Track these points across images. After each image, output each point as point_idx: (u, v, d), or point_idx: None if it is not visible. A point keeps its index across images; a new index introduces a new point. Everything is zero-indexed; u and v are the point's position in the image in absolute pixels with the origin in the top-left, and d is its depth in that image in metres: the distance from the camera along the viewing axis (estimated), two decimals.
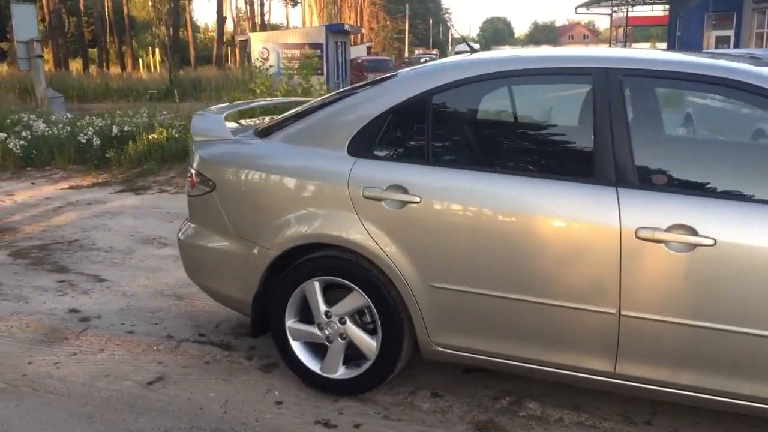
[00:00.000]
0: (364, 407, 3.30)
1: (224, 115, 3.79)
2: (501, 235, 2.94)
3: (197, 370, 3.68)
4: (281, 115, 3.88)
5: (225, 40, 54.02)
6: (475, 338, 3.08)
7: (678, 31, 30.72)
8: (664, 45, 53.86)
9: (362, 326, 3.29)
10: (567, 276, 2.85)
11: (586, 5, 37.37)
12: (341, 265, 3.24)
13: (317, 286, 3.30)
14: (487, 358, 3.11)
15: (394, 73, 3.48)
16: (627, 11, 37.25)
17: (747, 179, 2.78)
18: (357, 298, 3.23)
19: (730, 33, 28.40)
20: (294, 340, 3.42)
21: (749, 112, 3.45)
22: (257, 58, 20.43)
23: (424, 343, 3.18)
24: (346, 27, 33.07)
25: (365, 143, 3.22)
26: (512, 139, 3.35)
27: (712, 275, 2.64)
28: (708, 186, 2.79)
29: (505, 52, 3.53)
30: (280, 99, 4.74)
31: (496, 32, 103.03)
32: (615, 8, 37.22)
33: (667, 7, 35.02)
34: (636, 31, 37.72)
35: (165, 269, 5.28)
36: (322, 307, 3.31)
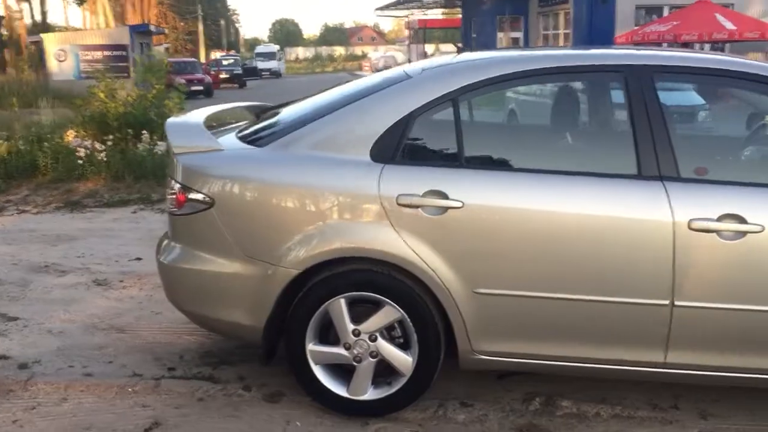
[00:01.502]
0: (398, 427, 3.14)
1: (203, 122, 3.43)
2: (548, 235, 2.91)
3: (194, 409, 3.30)
4: (264, 120, 3.59)
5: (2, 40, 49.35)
6: (522, 342, 3.03)
7: (473, 33, 32.59)
8: (447, 46, 56.97)
9: (393, 342, 3.12)
10: (617, 271, 2.88)
11: (384, 8, 38.63)
12: (372, 279, 3.05)
13: (343, 303, 3.07)
14: (533, 361, 3.07)
15: (402, 72, 3.32)
16: (425, 13, 38.84)
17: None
18: (390, 313, 3.06)
19: (520, 35, 30.56)
20: (315, 363, 3.16)
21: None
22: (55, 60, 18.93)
23: (465, 353, 3.07)
24: (151, 28, 31.52)
25: (389, 148, 3.05)
26: (548, 137, 3.33)
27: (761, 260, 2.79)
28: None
29: (521, 50, 3.49)
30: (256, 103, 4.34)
31: (288, 34, 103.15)
32: (410, 11, 38.75)
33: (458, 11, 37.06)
34: (429, 33, 39.48)
35: (81, 300, 4.69)
36: (350, 326, 3.09)
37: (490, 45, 30.16)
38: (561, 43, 26.85)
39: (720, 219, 2.79)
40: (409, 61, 44.15)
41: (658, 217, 2.83)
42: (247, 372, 3.63)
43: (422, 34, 42.76)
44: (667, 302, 2.87)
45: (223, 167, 3.19)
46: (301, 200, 3.08)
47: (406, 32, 52.26)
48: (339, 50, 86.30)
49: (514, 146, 3.20)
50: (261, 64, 47.40)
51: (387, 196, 2.97)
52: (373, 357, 3.11)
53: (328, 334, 3.17)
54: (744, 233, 2.78)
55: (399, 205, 2.96)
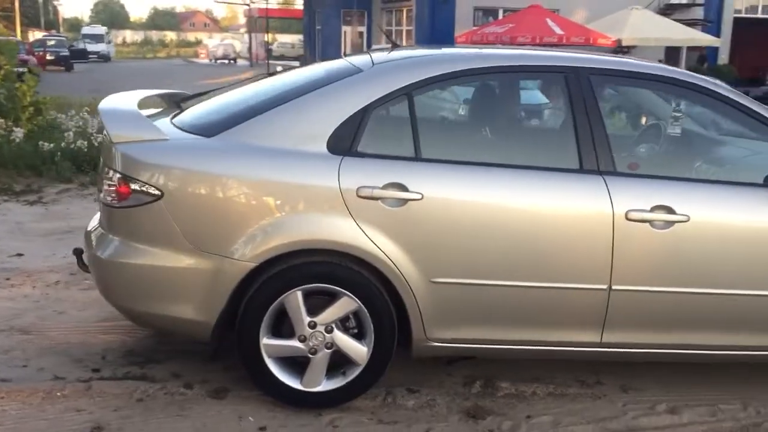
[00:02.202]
0: (354, 416, 3.19)
1: (137, 109, 3.27)
2: (500, 226, 3.07)
3: (135, 410, 3.16)
4: (195, 108, 3.49)
5: None
6: (474, 328, 3.17)
7: (318, 25, 32.68)
8: (285, 37, 56.60)
9: (348, 332, 3.16)
10: (564, 258, 3.10)
11: None
12: (329, 270, 3.07)
13: (300, 295, 3.07)
14: (483, 345, 3.23)
15: (348, 65, 3.36)
16: (267, 2, 38.35)
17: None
18: (347, 304, 3.09)
19: (363, 29, 31.01)
20: (268, 357, 3.13)
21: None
22: None
23: (419, 341, 3.17)
24: None
25: (346, 140, 3.08)
26: (501, 132, 3.47)
27: (688, 247, 3.10)
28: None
29: (478, 48, 3.60)
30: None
31: (113, 15, 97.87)
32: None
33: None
34: (269, 22, 39.06)
35: None
36: (306, 318, 3.09)
37: (334, 38, 30.40)
38: (404, 39, 27.55)
39: (653, 210, 3.07)
40: (250, 49, 43.15)
41: (600, 208, 3.06)
42: (180, 369, 3.52)
43: (263, 22, 42.20)
44: (605, 287, 3.12)
45: (171, 157, 3.07)
46: (256, 192, 3.03)
47: (243, 20, 51.36)
48: (170, 35, 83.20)
49: (467, 140, 3.33)
50: (89, 47, 44.71)
51: (347, 188, 3.00)
52: (328, 348, 3.13)
53: (281, 327, 3.14)
54: (672, 222, 3.08)
55: (359, 197, 3.00)
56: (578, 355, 3.30)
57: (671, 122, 3.70)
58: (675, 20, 25.05)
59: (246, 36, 64.36)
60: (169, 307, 3.12)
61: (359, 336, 3.17)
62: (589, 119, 3.14)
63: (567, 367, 3.62)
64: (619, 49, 24.21)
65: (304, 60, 39.48)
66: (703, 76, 3.37)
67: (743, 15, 29.34)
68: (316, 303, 3.11)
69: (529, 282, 3.10)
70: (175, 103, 3.96)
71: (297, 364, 3.18)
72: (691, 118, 3.67)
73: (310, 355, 3.13)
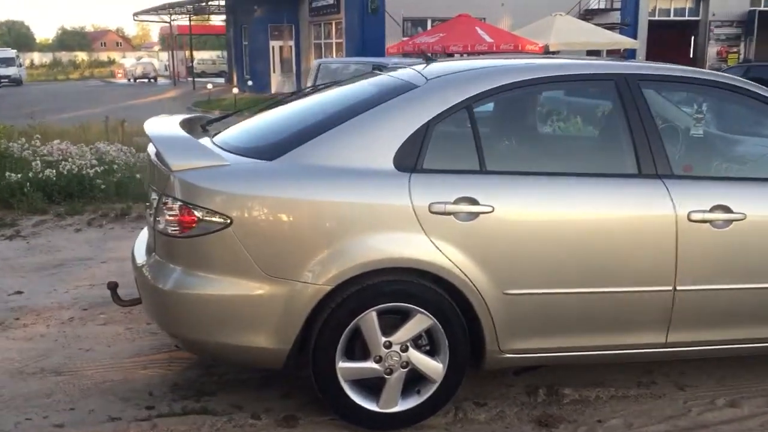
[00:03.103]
0: None
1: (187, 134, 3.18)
2: (571, 234, 3.10)
3: None
4: (232, 131, 3.42)
5: None
6: (546, 337, 3.19)
7: (245, 41, 32.34)
8: (202, 53, 55.75)
9: (421, 350, 3.13)
10: (632, 262, 3.15)
11: (144, 12, 37.01)
12: (404, 289, 3.03)
13: (374, 316, 3.02)
14: (554, 354, 3.24)
15: (400, 81, 3.33)
16: (190, 19, 37.69)
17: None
18: (422, 321, 3.06)
19: (291, 43, 30.86)
20: (344, 381, 3.07)
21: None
22: None
23: (492, 353, 3.16)
24: None
25: (411, 157, 3.06)
26: (560, 140, 3.50)
27: (746, 244, 3.21)
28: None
29: (531, 59, 3.61)
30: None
31: (18, 37, 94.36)
32: (172, 16, 37.45)
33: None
34: (204, 38, 38.47)
35: None
36: (382, 338, 3.05)
37: (263, 53, 30.15)
38: (334, 52, 27.57)
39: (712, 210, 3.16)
40: (170, 67, 42.05)
41: (663, 211, 3.13)
42: (237, 399, 3.41)
43: (186, 40, 41.46)
44: (670, 288, 3.18)
45: (237, 183, 2.98)
46: (327, 214, 2.98)
47: (156, 38, 50.31)
48: (81, 56, 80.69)
49: (528, 151, 3.36)
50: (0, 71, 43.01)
51: (419, 205, 2.98)
52: (404, 367, 3.09)
53: (352, 349, 3.09)
54: (731, 221, 3.17)
55: (432, 213, 2.98)
56: (644, 357, 3.36)
57: (694, 124, 3.81)
58: (595, 24, 25.91)
59: (160, 54, 63.17)
60: (241, 336, 3.02)
61: (431, 353, 3.14)
62: (643, 124, 3.21)
63: (622, 370, 3.68)
64: (547, 53, 24.93)
65: (228, 76, 39.05)
66: (735, 77, 3.49)
67: (657, 18, 30.59)
68: (388, 323, 3.07)
69: (599, 288, 3.14)
70: (201, 127, 3.86)
71: (369, 385, 3.13)
72: (713, 119, 3.80)
73: (386, 376, 3.09)
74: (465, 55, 22.42)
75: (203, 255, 2.98)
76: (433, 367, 3.12)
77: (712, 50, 31.38)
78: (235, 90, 25.30)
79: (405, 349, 3.07)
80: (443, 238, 2.99)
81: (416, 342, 3.12)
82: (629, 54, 27.60)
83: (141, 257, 3.39)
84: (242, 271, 2.96)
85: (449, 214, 2.99)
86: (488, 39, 21.81)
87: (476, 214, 3.01)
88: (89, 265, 5.52)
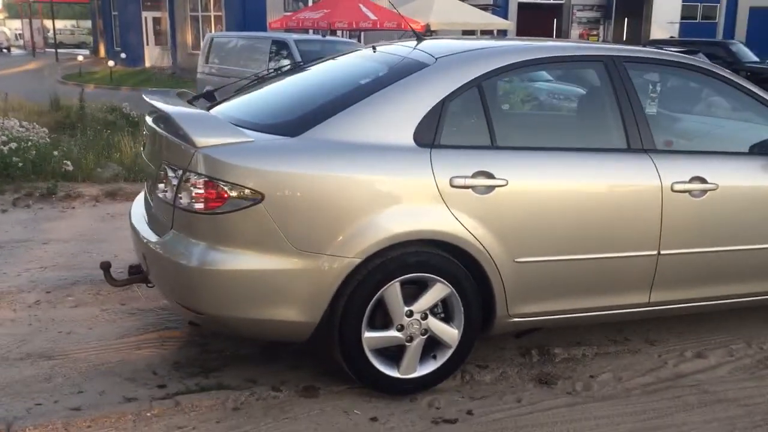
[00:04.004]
0: (448, 396, 3.33)
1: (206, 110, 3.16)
2: (575, 204, 3.35)
3: (240, 420, 3.07)
4: (241, 106, 3.43)
5: None
6: (550, 301, 3.43)
7: (114, 11, 30.82)
8: (58, 23, 52.59)
9: (437, 317, 3.29)
10: (626, 229, 3.44)
11: None
12: (426, 260, 3.17)
13: (398, 286, 3.15)
14: (556, 316, 3.49)
15: (410, 59, 3.44)
16: None
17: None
18: (440, 290, 3.22)
19: (160, 14, 29.70)
20: (369, 350, 3.19)
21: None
22: None
23: (502, 318, 3.37)
24: None
25: (429, 133, 3.19)
26: (563, 117, 3.70)
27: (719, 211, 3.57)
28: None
29: (527, 41, 3.77)
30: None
31: None
32: None
33: None
34: (56, 6, 36.14)
35: None
36: (404, 308, 3.18)
37: (135, 24, 28.89)
38: (213, 26, 26.87)
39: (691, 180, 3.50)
40: (24, 37, 39.19)
41: (652, 183, 3.44)
42: (248, 374, 3.45)
43: (37, 7, 38.89)
44: (655, 252, 3.51)
45: (268, 160, 3.00)
46: (355, 188, 3.06)
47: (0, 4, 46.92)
48: None
49: (535, 127, 3.56)
50: None
51: (441, 179, 3.12)
52: (423, 335, 3.24)
53: (374, 318, 3.20)
54: (705, 191, 3.53)
55: (453, 186, 3.13)
56: (629, 316, 3.68)
57: (649, 102, 4.16)
58: (471, 5, 26.66)
59: (7, 22, 58.78)
60: (270, 311, 3.06)
61: (446, 320, 3.30)
62: (630, 102, 3.50)
63: (597, 330, 3.99)
64: (428, 32, 25.41)
65: (94, 48, 37.09)
66: (705, 61, 3.86)
67: (525, 0, 31.86)
68: (407, 293, 3.20)
69: (598, 254, 3.41)
70: (189, 102, 3.81)
71: (388, 354, 3.25)
72: (685, 97, 4.16)
73: (407, 343, 3.22)
74: (349, 32, 22.57)
75: (232, 231, 2.99)
76: (450, 333, 3.28)
77: (575, 32, 33.10)
78: (111, 63, 24.13)
79: (425, 317, 3.22)
80: (462, 210, 3.15)
81: (432, 310, 3.27)
82: (501, 35, 28.65)
83: (150, 234, 3.33)
84: (272, 246, 2.99)
85: (468, 187, 3.15)
86: (372, 16, 22.03)
87: (492, 188, 3.19)
88: (30, 246, 5.26)
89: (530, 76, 3.67)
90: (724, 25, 35.98)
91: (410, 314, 3.19)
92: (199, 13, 28.06)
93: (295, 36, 13.53)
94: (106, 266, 3.60)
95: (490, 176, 3.18)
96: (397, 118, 3.18)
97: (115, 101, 13.50)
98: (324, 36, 16.24)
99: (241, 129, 3.09)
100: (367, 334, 3.15)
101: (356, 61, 3.83)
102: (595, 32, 33.59)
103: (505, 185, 3.20)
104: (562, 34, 32.38)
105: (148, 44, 29.47)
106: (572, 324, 3.66)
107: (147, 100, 3.46)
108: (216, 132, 3.03)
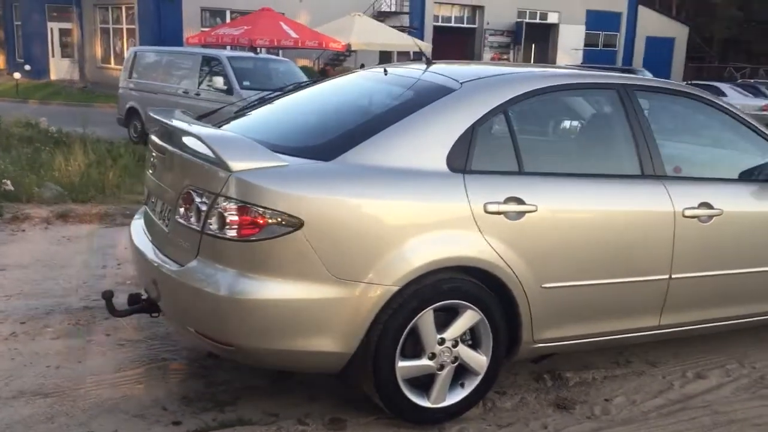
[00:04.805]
0: (475, 425, 3.28)
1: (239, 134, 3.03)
2: (599, 230, 3.39)
3: None
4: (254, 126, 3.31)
5: None
6: (572, 326, 3.44)
7: (17, 20, 29.43)
8: None
9: (465, 344, 3.24)
10: (643, 254, 3.50)
11: None
12: (458, 286, 3.13)
13: (431, 314, 3.09)
14: (577, 341, 3.51)
15: (433, 84, 3.40)
16: None
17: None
18: (471, 317, 3.18)
19: (68, 26, 28.68)
20: (402, 380, 3.10)
21: None
22: None
23: (527, 343, 3.35)
24: None
25: (461, 158, 3.16)
26: (585, 144, 3.72)
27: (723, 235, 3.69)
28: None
29: (544, 68, 3.78)
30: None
31: None
32: None
33: None
34: None
35: None
36: (437, 335, 3.12)
37: (40, 35, 27.68)
38: (125, 40, 26.10)
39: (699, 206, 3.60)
40: None
41: (666, 208, 3.52)
42: (266, 406, 3.31)
43: None
44: (667, 276, 3.58)
45: (307, 185, 2.89)
46: (393, 214, 2.98)
47: None
48: None
49: (559, 153, 3.58)
50: None
51: (475, 205, 3.09)
52: (453, 363, 3.19)
53: (404, 348, 3.12)
54: (712, 216, 3.64)
55: (486, 212, 3.11)
56: (641, 339, 3.73)
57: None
58: (390, 26, 26.97)
59: None
60: (306, 341, 2.93)
61: (473, 347, 3.26)
62: (642, 129, 3.57)
63: (599, 353, 4.03)
64: (349, 52, 25.54)
65: None
66: (701, 90, 4.00)
67: (440, 24, 32.51)
68: (437, 320, 3.14)
69: (617, 279, 3.45)
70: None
71: (416, 383, 3.18)
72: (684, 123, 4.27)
73: (438, 372, 3.16)
74: (270, 50, 22.34)
75: (267, 258, 2.85)
76: (479, 360, 3.24)
77: (487, 56, 33.98)
78: (17, 75, 22.98)
79: (455, 345, 3.17)
80: (495, 236, 3.13)
81: (462, 337, 3.22)
82: (417, 56, 29.08)
83: (164, 260, 3.14)
84: (309, 274, 2.88)
85: (501, 213, 3.13)
86: (293, 35, 21.89)
87: (523, 213, 3.18)
88: None
89: (552, 102, 3.69)
90: (623, 52, 37.88)
91: (441, 342, 3.13)
92: (110, 25, 27.21)
93: (228, 52, 13.27)
94: (108, 296, 3.38)
95: (521, 202, 3.17)
96: (430, 143, 3.13)
97: (27, 115, 12.83)
98: (257, 53, 16.00)
99: (273, 153, 2.96)
100: (401, 364, 3.07)
101: (371, 84, 3.76)
102: (505, 56, 34.59)
103: (535, 211, 3.20)
104: (475, 57, 33.18)
105: (53, 56, 28.26)
106: (588, 348, 3.69)
107: (159, 118, 3.28)
108: (250, 155, 2.90)
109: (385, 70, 3.77)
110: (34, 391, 3.33)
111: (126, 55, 14.87)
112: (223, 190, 2.86)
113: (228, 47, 20.48)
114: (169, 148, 3.25)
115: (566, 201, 3.32)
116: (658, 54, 38.09)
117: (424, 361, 3.12)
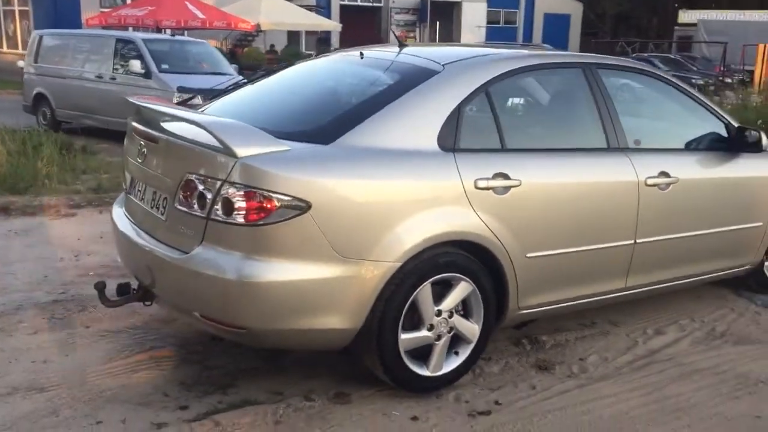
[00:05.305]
0: (470, 390, 3.45)
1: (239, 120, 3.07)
2: (576, 201, 3.62)
3: None
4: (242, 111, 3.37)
5: None
6: (552, 292, 3.66)
7: None
8: None
9: (459, 314, 3.41)
10: (614, 222, 3.76)
11: None
12: (453, 260, 3.28)
13: (429, 287, 3.24)
14: (555, 306, 3.73)
15: (415, 66, 3.52)
16: None
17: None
18: (465, 288, 3.34)
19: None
20: (404, 351, 3.24)
21: None
22: None
23: (512, 311, 3.55)
24: None
25: (450, 138, 3.30)
26: (559, 120, 3.91)
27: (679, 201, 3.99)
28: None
29: (519, 49, 3.93)
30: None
31: None
32: None
33: None
34: None
35: None
36: (434, 307, 3.27)
37: None
38: (18, 21, 24.84)
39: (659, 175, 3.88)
40: None
41: (631, 178, 3.78)
42: (269, 386, 3.38)
43: None
44: (632, 242, 3.85)
45: (313, 168, 2.96)
46: (393, 193, 3.10)
47: None
48: None
49: (537, 130, 3.76)
50: None
51: (466, 181, 3.24)
52: (448, 332, 3.35)
53: (405, 321, 3.25)
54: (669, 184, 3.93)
55: (477, 188, 3.27)
56: (609, 301, 4.00)
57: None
58: (297, 5, 26.70)
59: None
60: (316, 320, 3.02)
61: (466, 316, 3.43)
62: (606, 104, 3.81)
63: (567, 317, 4.28)
64: (258, 32, 25.14)
65: None
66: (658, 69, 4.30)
67: (347, 3, 32.43)
68: (434, 293, 3.29)
69: (593, 245, 3.69)
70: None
71: (415, 353, 3.32)
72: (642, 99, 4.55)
73: (436, 342, 3.31)
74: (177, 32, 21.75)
75: (276, 241, 2.92)
76: (471, 329, 3.41)
77: (394, 35, 34.14)
78: None
79: (451, 316, 3.33)
80: (485, 210, 3.29)
81: (455, 308, 3.38)
82: (325, 35, 29.04)
83: (161, 247, 3.16)
84: (317, 255, 2.96)
85: (490, 188, 3.30)
86: (200, 15, 21.37)
87: (509, 188, 3.36)
88: None
89: (527, 81, 3.88)
90: (523, 28, 38.88)
91: (438, 314, 3.28)
92: (1, 7, 25.77)
93: (143, 35, 12.90)
94: (101, 286, 3.37)
95: (507, 177, 3.35)
96: (421, 124, 3.25)
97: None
98: (173, 36, 15.58)
99: (276, 138, 3.02)
100: (403, 336, 3.20)
101: (352, 68, 3.84)
102: (412, 34, 34.87)
103: (519, 185, 3.38)
104: (382, 35, 33.29)
105: None
106: (565, 312, 3.91)
107: (148, 106, 3.26)
108: (255, 141, 2.94)
109: (362, 54, 3.86)
110: (27, 386, 3.28)
111: (30, 39, 14.15)
112: (230, 176, 2.89)
113: (130, 28, 19.79)
114: (163, 136, 3.24)
115: (545, 175, 3.52)
116: (556, 30, 39.22)
117: (424, 333, 3.26)
